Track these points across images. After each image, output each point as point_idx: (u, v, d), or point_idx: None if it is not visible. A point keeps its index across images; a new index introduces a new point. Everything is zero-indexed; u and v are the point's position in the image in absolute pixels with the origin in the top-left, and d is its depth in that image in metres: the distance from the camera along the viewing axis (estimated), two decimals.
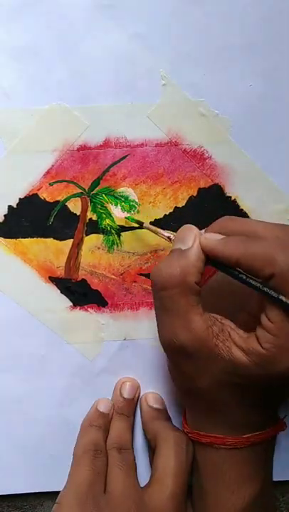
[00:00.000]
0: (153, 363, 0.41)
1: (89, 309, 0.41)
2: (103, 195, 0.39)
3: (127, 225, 0.39)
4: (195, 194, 0.40)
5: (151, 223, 0.39)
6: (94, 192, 0.39)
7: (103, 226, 0.40)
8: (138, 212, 0.39)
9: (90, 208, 0.39)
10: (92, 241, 0.40)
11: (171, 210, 0.40)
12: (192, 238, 0.33)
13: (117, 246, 0.40)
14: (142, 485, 0.37)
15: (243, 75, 0.38)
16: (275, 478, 0.38)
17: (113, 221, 0.40)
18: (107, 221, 0.40)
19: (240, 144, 0.39)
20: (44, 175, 0.39)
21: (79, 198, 0.39)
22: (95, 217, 0.40)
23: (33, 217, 0.39)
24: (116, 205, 0.39)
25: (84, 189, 0.39)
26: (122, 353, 0.41)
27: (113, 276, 0.40)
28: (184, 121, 0.39)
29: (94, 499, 0.35)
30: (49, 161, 0.39)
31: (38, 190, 0.39)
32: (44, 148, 0.39)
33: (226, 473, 0.35)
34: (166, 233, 0.36)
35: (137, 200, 0.39)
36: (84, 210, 0.40)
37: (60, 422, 0.41)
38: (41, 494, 0.42)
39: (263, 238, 0.31)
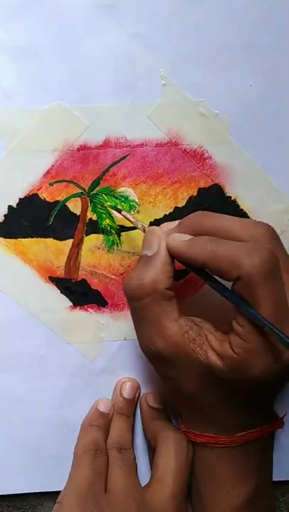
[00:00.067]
0: None
1: (89, 309, 0.40)
2: (103, 195, 0.39)
3: (127, 225, 0.39)
4: (195, 194, 0.40)
5: (151, 223, 0.39)
6: (94, 192, 0.39)
7: (103, 226, 0.40)
8: (138, 212, 0.39)
9: (90, 208, 0.39)
10: (92, 241, 0.40)
11: (171, 210, 0.40)
12: (157, 243, 0.33)
13: (117, 246, 0.40)
14: (142, 485, 0.37)
15: (243, 75, 0.38)
16: (275, 478, 0.38)
17: (113, 221, 0.40)
18: (107, 221, 0.40)
19: (240, 144, 0.39)
20: (44, 175, 0.39)
21: (79, 198, 0.39)
22: (95, 217, 0.40)
23: (33, 217, 0.39)
24: (116, 204, 0.39)
25: (84, 189, 0.39)
26: (122, 353, 0.41)
27: (113, 276, 0.40)
28: (184, 121, 0.39)
29: (94, 498, 0.35)
30: (49, 161, 0.39)
31: (38, 190, 0.39)
32: (44, 148, 0.39)
33: (221, 473, 0.35)
34: (140, 224, 0.36)
35: (137, 200, 0.39)
36: (84, 210, 0.40)
37: (60, 422, 0.41)
38: (41, 494, 0.42)
39: (233, 238, 0.31)
